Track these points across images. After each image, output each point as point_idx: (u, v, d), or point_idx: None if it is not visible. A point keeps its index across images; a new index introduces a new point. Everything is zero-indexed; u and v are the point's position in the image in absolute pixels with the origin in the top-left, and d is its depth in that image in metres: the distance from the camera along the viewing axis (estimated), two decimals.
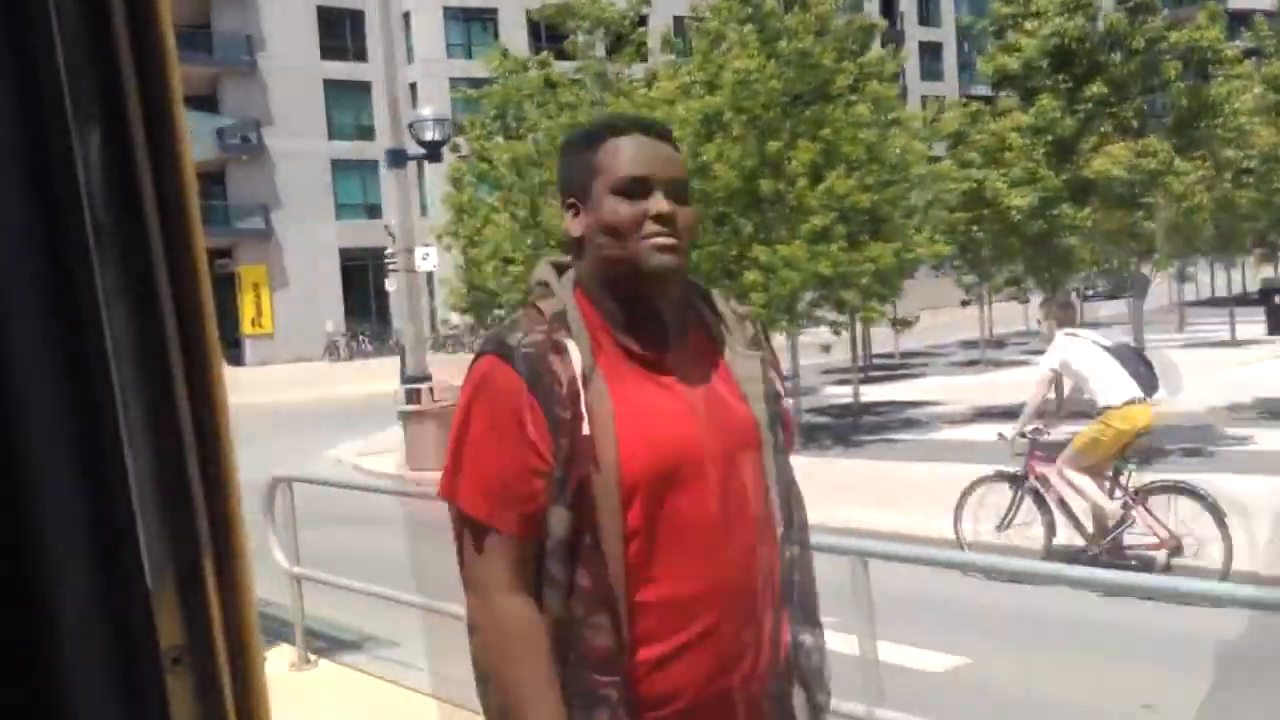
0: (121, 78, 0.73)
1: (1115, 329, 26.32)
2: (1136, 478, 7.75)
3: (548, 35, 29.68)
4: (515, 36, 48.70)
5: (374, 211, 47.56)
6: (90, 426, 0.71)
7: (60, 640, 0.71)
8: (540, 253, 16.91)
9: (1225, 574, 6.75)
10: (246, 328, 46.23)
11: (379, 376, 30.33)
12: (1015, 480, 7.98)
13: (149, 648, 0.77)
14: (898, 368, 26.63)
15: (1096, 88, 14.25)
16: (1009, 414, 15.86)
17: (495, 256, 18.93)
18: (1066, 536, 7.75)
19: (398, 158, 19.09)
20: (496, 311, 22.02)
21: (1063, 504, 7.75)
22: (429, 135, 18.58)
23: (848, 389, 18.74)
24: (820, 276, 13.85)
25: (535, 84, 20.91)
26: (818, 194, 13.98)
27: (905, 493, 11.42)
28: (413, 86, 46.72)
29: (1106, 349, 7.77)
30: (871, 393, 20.41)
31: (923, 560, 4.59)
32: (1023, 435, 7.86)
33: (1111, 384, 7.53)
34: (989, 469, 8.34)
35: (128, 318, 0.73)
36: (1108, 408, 7.52)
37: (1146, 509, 7.44)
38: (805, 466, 9.99)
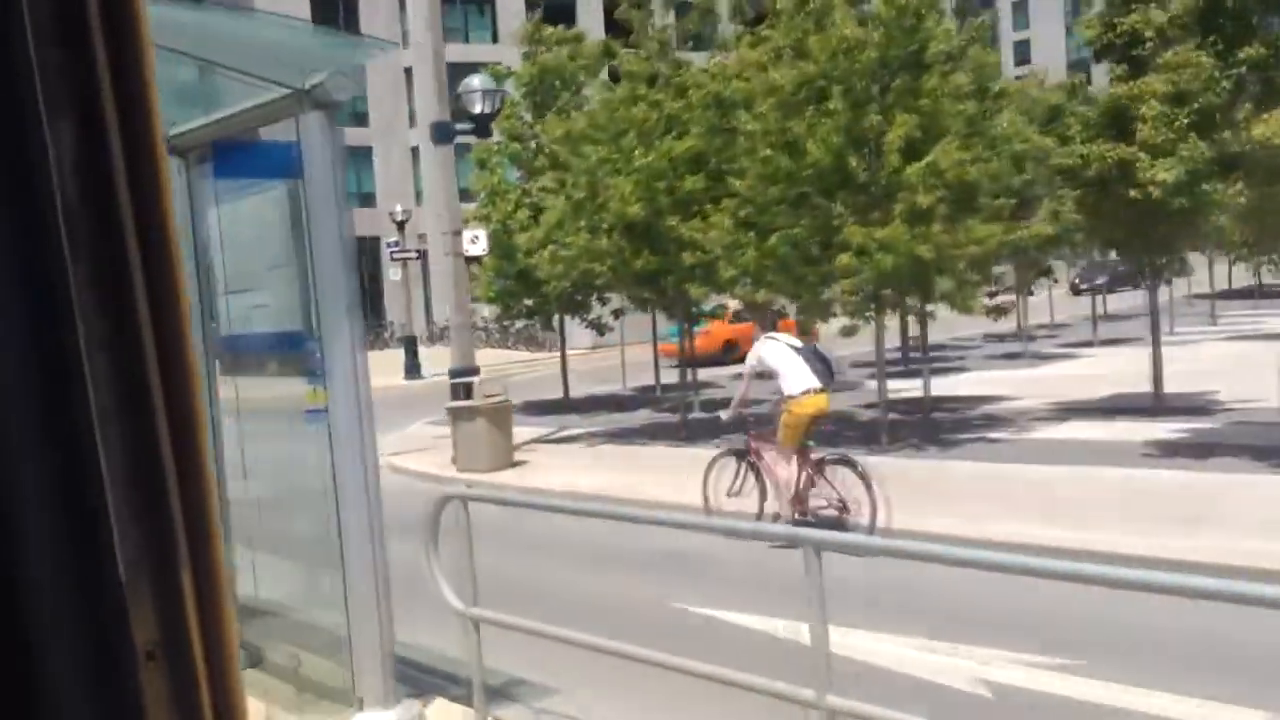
0: (96, 73, 0.75)
1: (1134, 322, 26.11)
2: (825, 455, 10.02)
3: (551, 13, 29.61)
4: (513, 23, 48.73)
5: (366, 200, 47.46)
6: (62, 420, 0.74)
7: (34, 635, 0.73)
8: (597, 236, 16.29)
9: (871, 527, 9.10)
10: None
11: (379, 370, 30.56)
12: (740, 455, 10.28)
13: (124, 642, 0.79)
14: (932, 360, 26.05)
15: (1252, 50, 13.16)
16: (1097, 411, 16.01)
17: (547, 241, 17.96)
18: (774, 500, 10.01)
19: (443, 132, 17.84)
20: (526, 300, 21.39)
21: (770, 474, 10.00)
22: (478, 108, 17.39)
23: (896, 383, 18.29)
24: (916, 260, 13.03)
25: (593, 52, 20.10)
26: (916, 170, 13.10)
27: (1063, 503, 10.37)
28: (408, 71, 46.62)
29: (795, 350, 9.87)
30: (936, 387, 19.76)
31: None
32: (736, 418, 10.24)
33: (794, 378, 9.64)
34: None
35: (100, 312, 0.75)
36: (789, 397, 9.62)
37: (824, 478, 9.64)
38: (913, 470, 11.35)
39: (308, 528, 5.37)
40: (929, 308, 17.21)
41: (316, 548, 5.10)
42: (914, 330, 24.09)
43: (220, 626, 0.85)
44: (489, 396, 15.22)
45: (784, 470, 9.77)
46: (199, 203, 5.53)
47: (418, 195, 48.08)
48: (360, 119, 47.65)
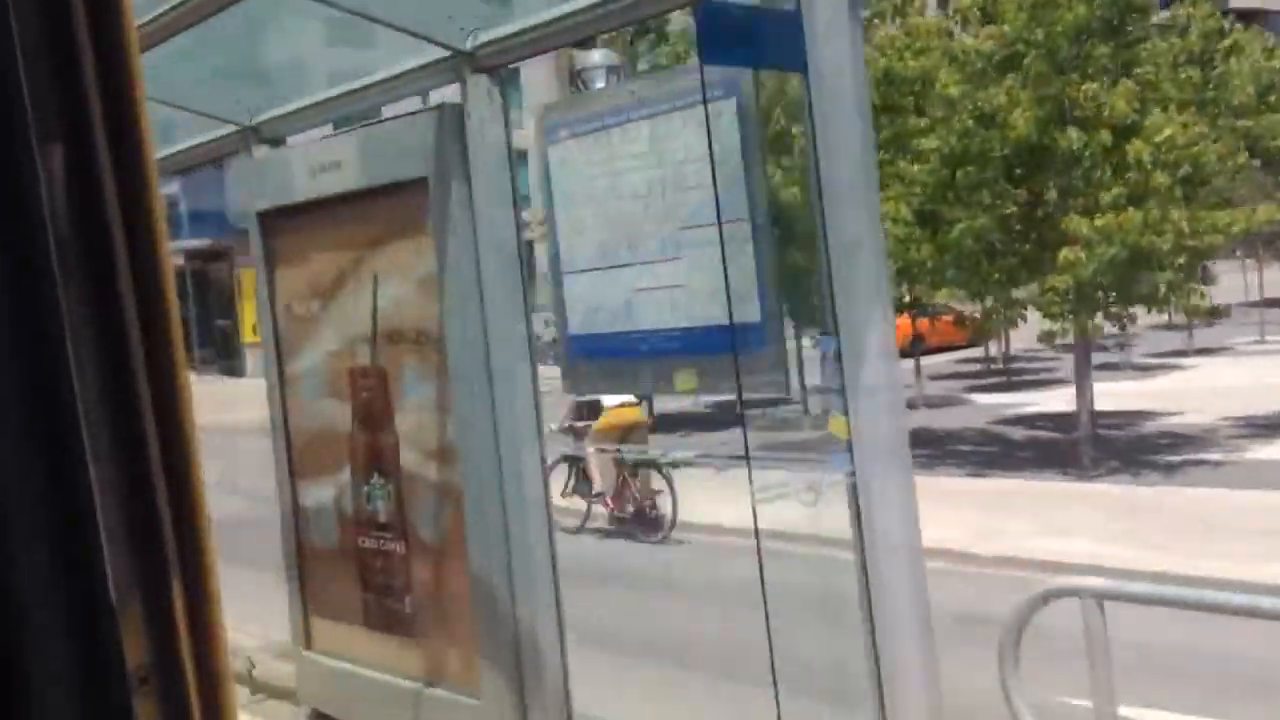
0: (84, 90, 0.79)
1: (1210, 331, 24.98)
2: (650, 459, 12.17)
3: None
4: None
5: None
6: (53, 442, 0.77)
7: (22, 659, 0.76)
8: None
9: (673, 521, 11.21)
10: (248, 335, 46.37)
11: None
12: (573, 461, 12.31)
13: (116, 668, 0.82)
14: (1018, 372, 25.03)
15: None
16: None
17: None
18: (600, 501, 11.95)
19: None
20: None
21: (592, 475, 12.05)
22: (599, 85, 16.10)
23: (999, 398, 17.80)
24: (1137, 252, 11.93)
25: None
26: (1140, 147, 11.87)
27: None
28: None
29: None
30: (1047, 400, 18.88)
31: None
32: (565, 429, 12.11)
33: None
34: None
35: (91, 330, 0.78)
36: (607, 409, 11.89)
37: (634, 479, 11.79)
38: (1149, 500, 10.39)
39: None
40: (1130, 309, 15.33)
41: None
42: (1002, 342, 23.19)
43: (214, 650, 0.88)
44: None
45: (600, 474, 12.02)
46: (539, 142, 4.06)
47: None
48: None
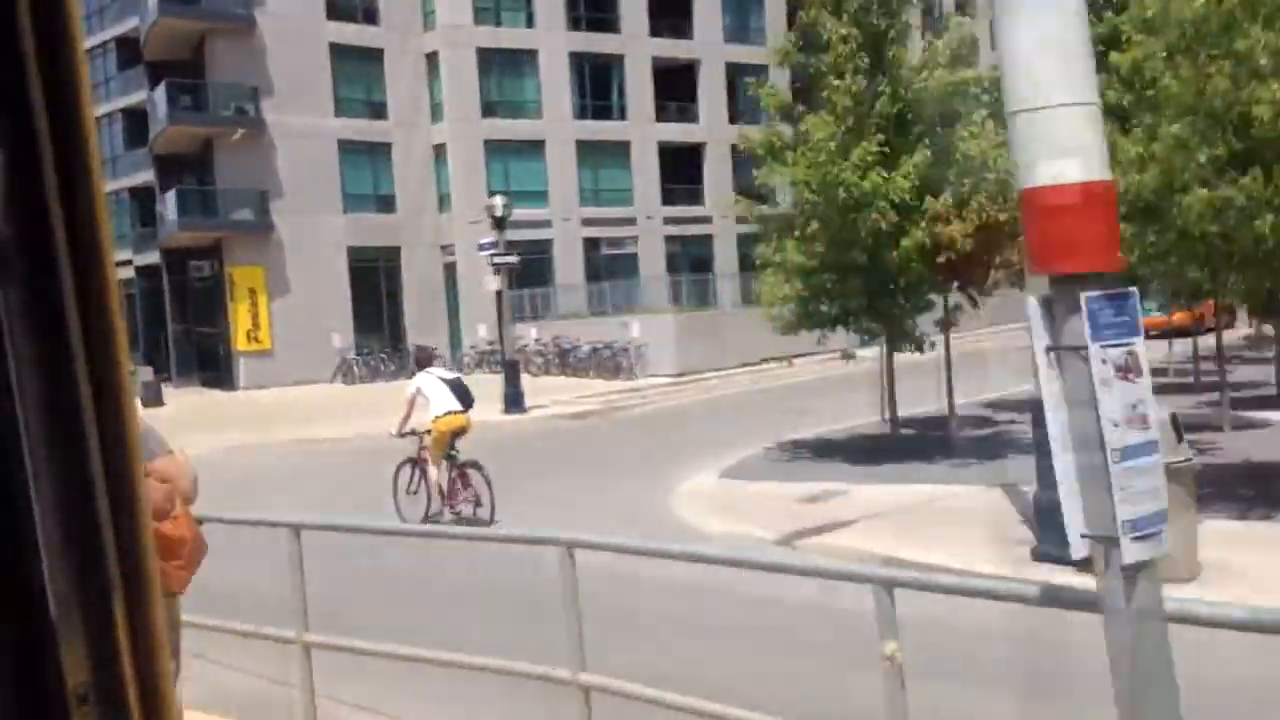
0: (28, 89, 0.83)
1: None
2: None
3: None
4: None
5: (386, 204, 47.01)
6: None
7: None
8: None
9: (490, 518, 14.00)
10: (241, 343, 44.10)
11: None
12: (415, 463, 15.01)
13: (54, 686, 0.85)
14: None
15: None
16: None
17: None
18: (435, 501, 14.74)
19: None
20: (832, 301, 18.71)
21: (427, 477, 14.81)
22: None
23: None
24: None
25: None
26: None
27: None
28: (430, 56, 46.83)
29: (444, 380, 14.92)
30: None
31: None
32: (404, 435, 14.77)
33: (439, 402, 14.47)
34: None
35: (31, 339, 0.83)
36: (435, 416, 14.40)
37: (463, 479, 14.47)
38: None
39: None
40: None
41: None
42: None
43: (155, 670, 0.92)
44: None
45: (434, 473, 14.63)
46: None
47: (442, 199, 47.49)
48: (377, 109, 47.23)
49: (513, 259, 31.01)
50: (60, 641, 0.87)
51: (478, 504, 14.35)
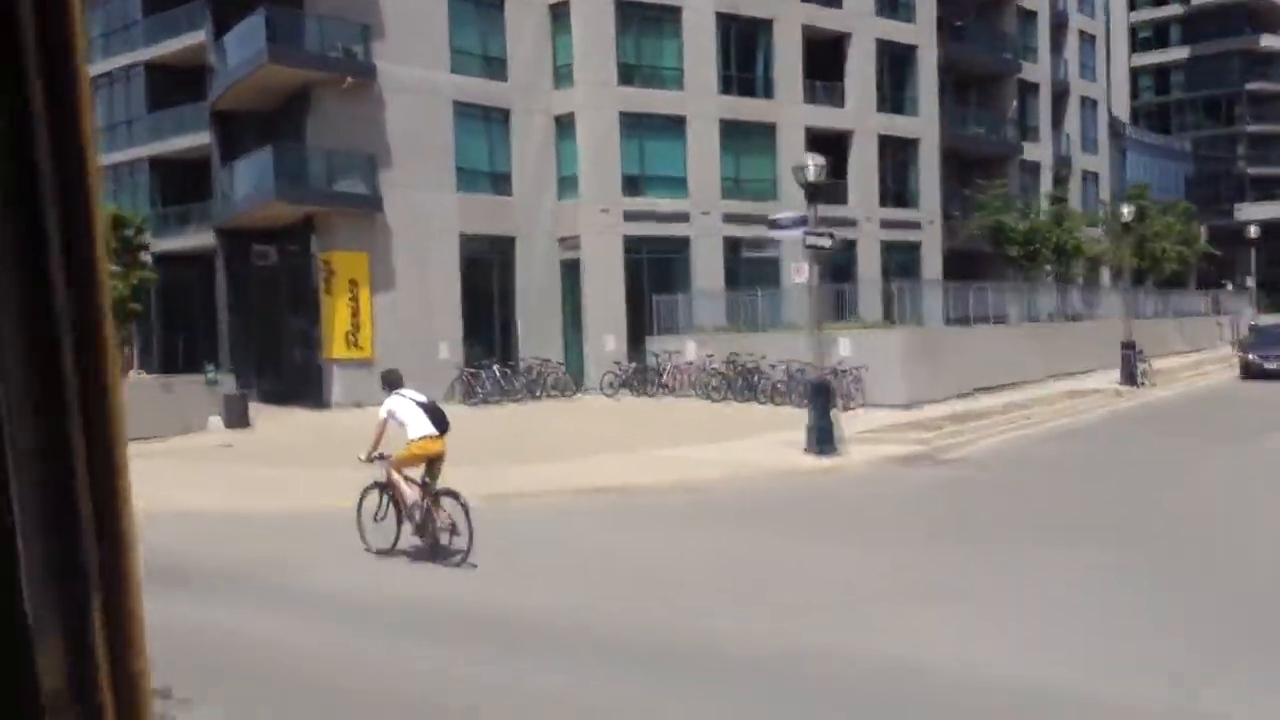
0: (28, 91, 0.90)
1: None
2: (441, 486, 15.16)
3: None
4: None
5: (501, 184, 43.32)
6: None
7: None
8: None
9: (468, 551, 14.38)
10: (338, 348, 38.83)
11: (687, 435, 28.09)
12: (383, 488, 15.66)
13: (28, 693, 0.92)
14: None
15: None
16: None
17: None
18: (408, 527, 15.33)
19: None
20: None
21: (399, 502, 15.40)
22: None
23: None
24: None
25: None
26: None
27: None
28: (558, 6, 43.91)
29: (418, 404, 15.20)
30: None
31: None
32: (373, 459, 15.24)
33: (415, 426, 15.00)
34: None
35: (20, 342, 0.89)
36: (410, 440, 14.98)
37: (438, 506, 14.88)
38: None
39: None
40: None
41: None
42: None
43: (133, 677, 0.98)
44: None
45: (410, 495, 15.16)
46: None
47: (562, 182, 43.88)
48: (494, 67, 43.35)
49: (826, 241, 26.21)
50: (35, 647, 0.93)
51: (454, 533, 14.74)
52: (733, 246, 46.87)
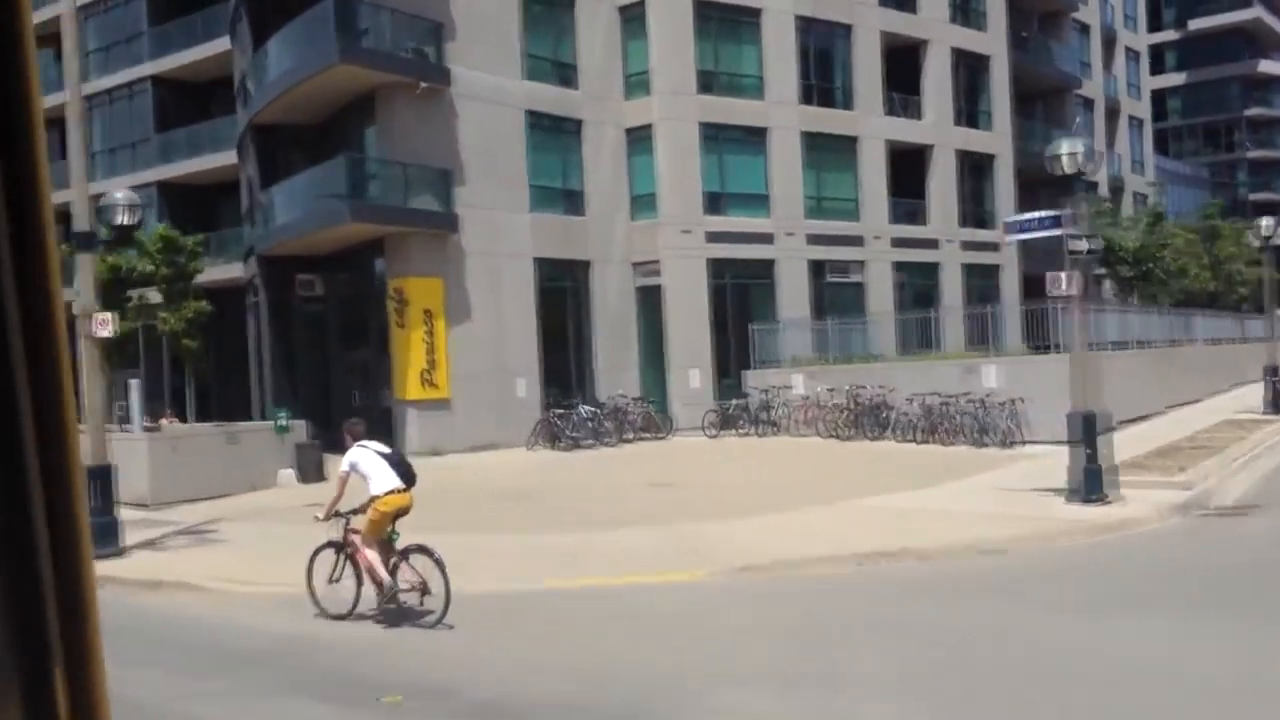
0: None
1: None
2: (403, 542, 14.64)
3: None
4: None
5: (573, 202, 41.62)
6: None
7: None
8: None
9: (445, 609, 13.73)
10: (413, 389, 36.35)
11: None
12: (339, 548, 15.00)
13: None
14: None
15: None
16: None
17: None
18: (369, 588, 14.61)
19: None
20: None
21: (362, 563, 14.64)
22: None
23: None
24: None
25: None
26: None
27: None
28: (629, 7, 43.11)
29: (383, 455, 14.70)
30: None
31: None
32: (333, 517, 14.70)
33: (380, 480, 14.43)
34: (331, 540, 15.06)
35: None
36: (375, 496, 14.39)
37: (407, 564, 14.29)
38: None
39: None
40: None
41: None
42: None
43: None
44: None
45: (370, 557, 14.44)
46: None
47: (635, 200, 43.17)
48: (566, 75, 41.85)
49: (1085, 245, 22.86)
50: None
51: (425, 592, 14.16)
52: (815, 270, 45.71)
